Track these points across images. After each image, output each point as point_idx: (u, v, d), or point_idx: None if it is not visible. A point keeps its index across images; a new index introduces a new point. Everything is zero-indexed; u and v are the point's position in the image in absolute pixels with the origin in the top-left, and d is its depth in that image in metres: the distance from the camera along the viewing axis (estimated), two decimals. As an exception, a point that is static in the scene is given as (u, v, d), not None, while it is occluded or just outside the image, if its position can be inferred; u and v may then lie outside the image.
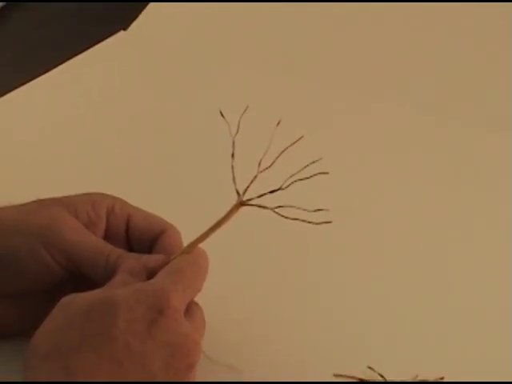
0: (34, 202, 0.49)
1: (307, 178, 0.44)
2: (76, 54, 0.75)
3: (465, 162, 0.67)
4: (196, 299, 0.46)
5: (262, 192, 0.44)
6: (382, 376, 0.48)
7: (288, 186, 0.44)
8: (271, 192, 0.44)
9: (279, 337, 0.52)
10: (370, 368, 0.49)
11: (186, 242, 0.48)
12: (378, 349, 0.51)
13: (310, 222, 0.44)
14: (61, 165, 0.65)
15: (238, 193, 0.45)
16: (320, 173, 0.44)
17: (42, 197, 0.49)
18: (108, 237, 0.49)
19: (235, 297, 0.53)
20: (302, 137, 0.45)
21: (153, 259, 0.46)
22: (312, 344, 0.51)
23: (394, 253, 0.58)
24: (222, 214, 0.45)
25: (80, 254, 0.46)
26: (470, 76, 0.77)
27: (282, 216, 0.44)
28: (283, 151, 0.45)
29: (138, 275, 0.45)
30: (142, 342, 0.41)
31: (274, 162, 0.45)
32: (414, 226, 0.61)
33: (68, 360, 0.40)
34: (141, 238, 0.49)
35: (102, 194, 0.49)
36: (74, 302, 0.42)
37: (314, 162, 0.44)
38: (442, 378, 0.49)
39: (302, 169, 0.44)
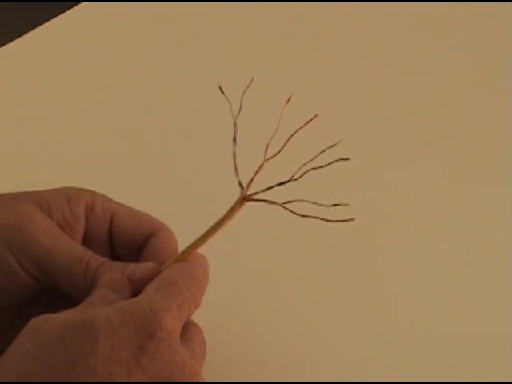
0: None
1: (324, 166, 0.40)
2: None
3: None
4: (194, 317, 0.41)
5: (270, 184, 0.41)
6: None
7: (301, 176, 0.41)
8: (280, 184, 0.41)
9: (294, 361, 0.48)
10: None
11: (180, 247, 0.44)
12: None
13: (327, 220, 0.40)
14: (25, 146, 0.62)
15: (241, 186, 0.41)
16: (339, 159, 0.40)
17: (5, 191, 0.44)
18: (87, 241, 0.44)
19: (241, 312, 0.50)
20: (316, 115, 0.41)
21: (140, 269, 0.42)
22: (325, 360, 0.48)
23: (427, 257, 0.55)
24: (223, 212, 0.41)
25: (53, 262, 0.41)
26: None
27: (294, 213, 0.40)
28: (294, 133, 0.41)
29: (123, 290, 0.41)
30: (129, 373, 0.36)
31: (283, 146, 0.41)
32: (452, 225, 0.57)
33: None
34: (127, 242, 0.44)
35: (80, 189, 0.45)
36: (45, 324, 0.37)
37: (331, 147, 0.41)
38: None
39: (318, 155, 0.40)
